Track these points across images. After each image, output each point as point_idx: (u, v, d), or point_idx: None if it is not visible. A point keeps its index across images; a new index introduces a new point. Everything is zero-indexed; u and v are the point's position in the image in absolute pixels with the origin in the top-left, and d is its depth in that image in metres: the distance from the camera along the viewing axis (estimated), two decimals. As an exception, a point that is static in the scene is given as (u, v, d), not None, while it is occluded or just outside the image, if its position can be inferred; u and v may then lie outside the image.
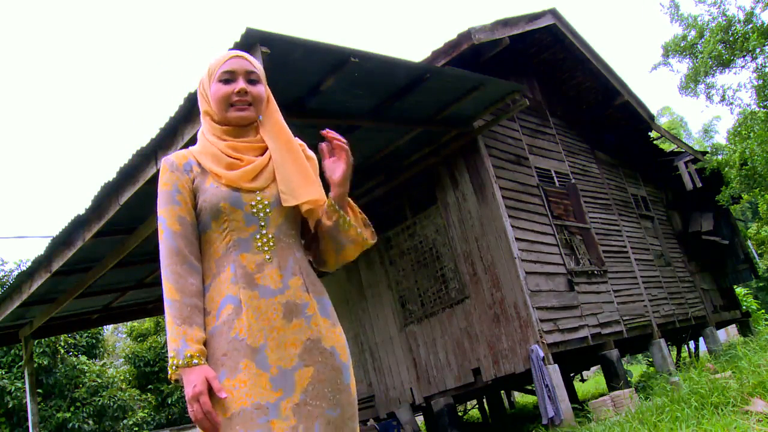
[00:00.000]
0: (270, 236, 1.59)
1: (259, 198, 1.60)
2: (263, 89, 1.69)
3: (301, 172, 1.65)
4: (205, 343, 1.51)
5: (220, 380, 1.46)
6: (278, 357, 1.50)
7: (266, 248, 1.58)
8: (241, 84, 1.64)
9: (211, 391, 1.44)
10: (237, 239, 1.58)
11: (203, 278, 1.59)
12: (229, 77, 1.65)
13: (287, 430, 1.43)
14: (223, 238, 1.59)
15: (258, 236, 1.59)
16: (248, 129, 1.69)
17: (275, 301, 1.54)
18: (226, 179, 1.59)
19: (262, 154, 1.66)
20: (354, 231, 1.67)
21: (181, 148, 4.58)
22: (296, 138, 1.78)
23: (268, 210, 1.61)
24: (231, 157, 1.62)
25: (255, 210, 1.59)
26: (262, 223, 1.60)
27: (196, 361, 1.44)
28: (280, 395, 1.46)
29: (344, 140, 1.65)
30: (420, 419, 10.20)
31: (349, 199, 1.69)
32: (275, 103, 1.75)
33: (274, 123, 1.70)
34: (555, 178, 8.33)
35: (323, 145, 1.66)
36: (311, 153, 1.78)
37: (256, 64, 1.71)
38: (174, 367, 1.44)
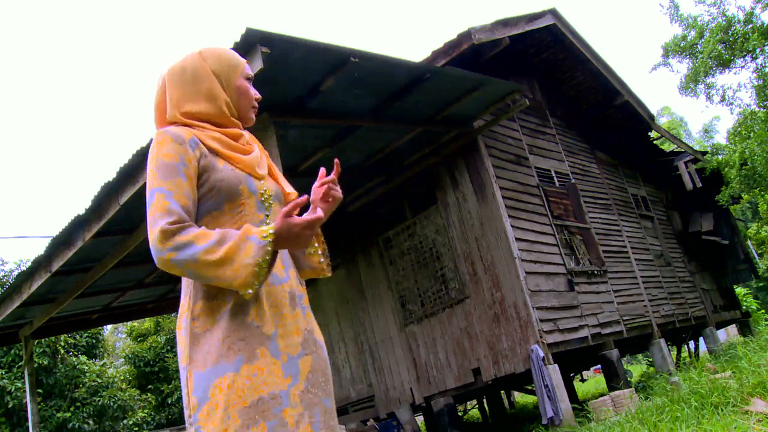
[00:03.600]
0: None
1: (265, 188, 1.62)
2: None
3: (281, 175, 1.75)
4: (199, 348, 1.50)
5: (237, 367, 1.40)
6: (286, 344, 1.50)
7: None
8: (256, 93, 1.74)
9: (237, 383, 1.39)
10: (249, 225, 1.51)
11: None
12: (251, 80, 1.73)
13: (296, 417, 1.44)
14: (235, 221, 1.53)
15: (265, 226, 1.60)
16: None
17: (282, 289, 1.55)
18: (243, 163, 1.58)
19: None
20: (317, 259, 1.71)
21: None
22: None
23: (271, 201, 1.63)
24: (242, 144, 1.65)
25: (263, 198, 1.60)
26: (268, 213, 1.61)
27: (269, 235, 1.40)
28: (290, 382, 1.47)
29: (338, 190, 1.68)
30: (420, 419, 10.20)
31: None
32: None
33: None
34: (555, 178, 8.33)
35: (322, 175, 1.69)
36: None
37: None
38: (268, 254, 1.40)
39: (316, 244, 1.72)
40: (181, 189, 1.46)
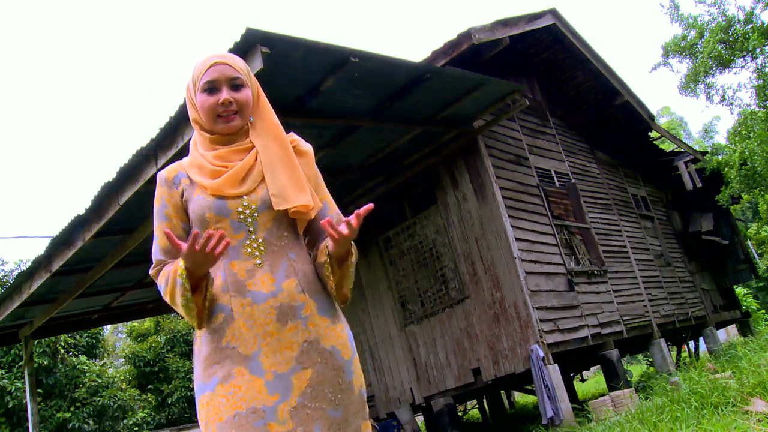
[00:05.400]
0: (260, 241, 1.57)
1: (246, 203, 1.57)
2: (249, 93, 1.62)
3: (292, 176, 1.60)
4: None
5: (212, 387, 1.48)
6: (273, 362, 1.48)
7: (256, 253, 1.56)
8: (224, 94, 1.58)
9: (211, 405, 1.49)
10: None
11: None
12: (212, 86, 1.59)
13: None
14: None
15: (247, 242, 1.56)
16: (238, 134, 1.64)
17: (267, 306, 1.51)
18: (211, 188, 1.57)
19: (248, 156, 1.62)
20: (330, 284, 1.60)
21: (181, 148, 4.62)
22: (291, 132, 1.73)
23: (255, 214, 1.57)
24: (216, 166, 1.59)
25: (242, 216, 1.57)
26: (251, 229, 1.57)
27: (182, 271, 1.47)
28: (277, 399, 1.45)
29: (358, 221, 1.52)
30: (420, 419, 10.20)
31: (353, 243, 1.61)
32: (266, 100, 1.70)
33: (266, 122, 1.66)
34: (555, 178, 8.33)
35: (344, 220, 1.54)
36: (306, 147, 1.72)
37: (240, 65, 1.64)
38: (183, 286, 1.47)
39: (333, 268, 1.59)
40: (160, 232, 1.61)
